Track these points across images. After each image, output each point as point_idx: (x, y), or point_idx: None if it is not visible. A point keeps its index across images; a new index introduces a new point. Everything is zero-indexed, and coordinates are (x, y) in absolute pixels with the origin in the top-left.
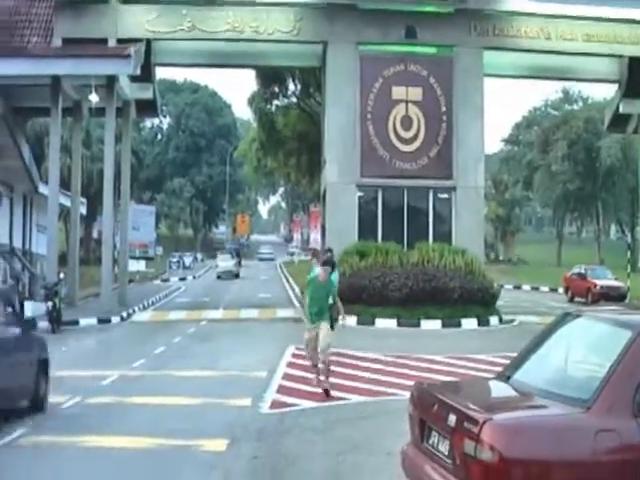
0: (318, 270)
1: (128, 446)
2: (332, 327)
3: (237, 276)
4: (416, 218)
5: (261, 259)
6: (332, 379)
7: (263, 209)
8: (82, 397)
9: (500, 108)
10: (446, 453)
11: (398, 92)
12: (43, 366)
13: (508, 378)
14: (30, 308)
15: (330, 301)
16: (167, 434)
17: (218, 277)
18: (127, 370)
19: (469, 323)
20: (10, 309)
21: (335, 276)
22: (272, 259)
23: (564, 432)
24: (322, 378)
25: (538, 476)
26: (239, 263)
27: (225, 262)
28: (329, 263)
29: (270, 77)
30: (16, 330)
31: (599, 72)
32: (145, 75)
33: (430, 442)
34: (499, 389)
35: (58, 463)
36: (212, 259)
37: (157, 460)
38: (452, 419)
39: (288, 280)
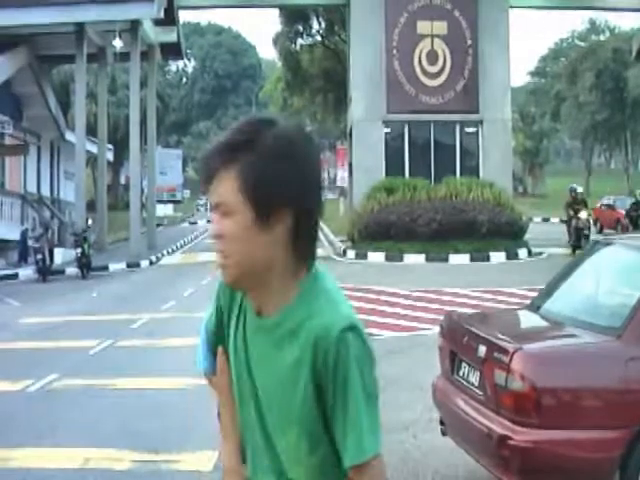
0: None
1: (161, 387)
2: None
3: None
4: (443, 153)
5: None
6: (362, 316)
7: None
8: (113, 340)
9: (525, 41)
10: (476, 384)
11: (423, 26)
12: None
13: (538, 308)
14: (60, 255)
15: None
16: (199, 374)
17: None
18: (157, 313)
19: (498, 256)
20: None
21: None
22: None
23: (594, 360)
24: None
25: (569, 404)
26: None
27: None
28: None
29: (294, 16)
30: None
31: (627, 1)
32: (169, 18)
33: (460, 374)
34: (529, 319)
35: (92, 406)
36: None
37: (190, 399)
38: (482, 350)
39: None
